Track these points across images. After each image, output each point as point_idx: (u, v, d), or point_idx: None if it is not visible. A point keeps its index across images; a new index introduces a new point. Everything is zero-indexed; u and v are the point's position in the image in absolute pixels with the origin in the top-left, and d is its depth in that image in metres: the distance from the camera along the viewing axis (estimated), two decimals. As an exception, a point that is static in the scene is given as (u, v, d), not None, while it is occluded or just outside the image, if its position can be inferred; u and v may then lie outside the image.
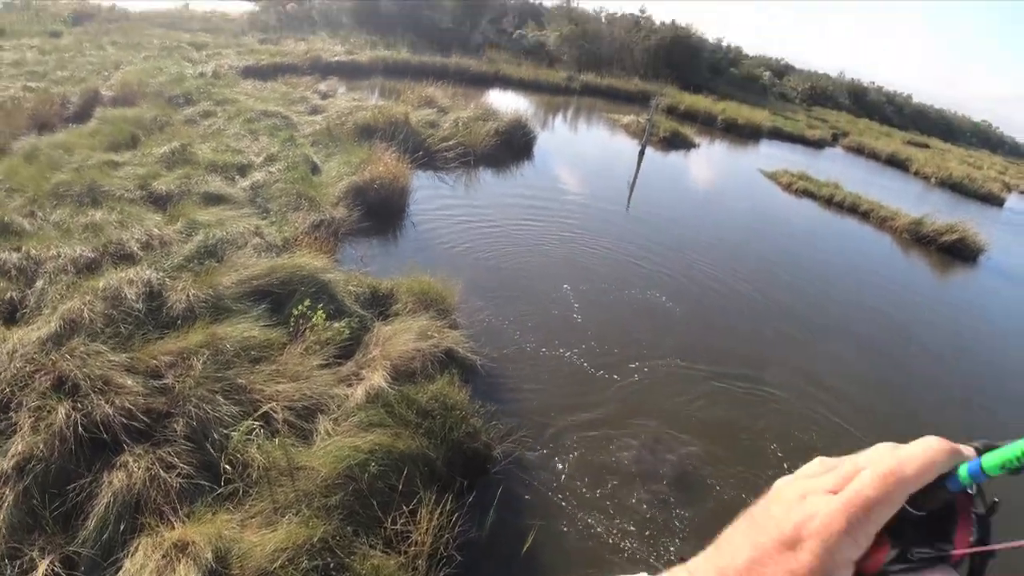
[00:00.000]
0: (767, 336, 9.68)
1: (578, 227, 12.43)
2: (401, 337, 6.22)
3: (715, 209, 16.94)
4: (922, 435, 0.65)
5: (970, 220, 18.19)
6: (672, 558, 3.36)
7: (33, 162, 9.40)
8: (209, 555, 3.75)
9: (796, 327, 10.23)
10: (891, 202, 19.67)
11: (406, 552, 4.26)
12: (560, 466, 5.94)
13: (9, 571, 3.77)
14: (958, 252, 16.79)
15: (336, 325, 6.17)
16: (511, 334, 7.86)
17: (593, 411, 6.80)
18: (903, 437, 0.67)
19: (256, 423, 4.81)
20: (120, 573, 3.80)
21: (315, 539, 3.99)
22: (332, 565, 3.92)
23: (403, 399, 5.38)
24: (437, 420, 5.35)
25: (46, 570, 3.78)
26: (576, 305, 8.98)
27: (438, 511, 4.47)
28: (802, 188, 20.45)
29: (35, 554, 3.87)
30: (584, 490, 5.71)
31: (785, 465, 6.65)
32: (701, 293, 10.69)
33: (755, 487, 6.12)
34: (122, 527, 4.13)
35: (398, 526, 4.35)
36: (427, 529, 4.36)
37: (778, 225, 16.81)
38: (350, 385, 5.57)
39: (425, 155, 13.99)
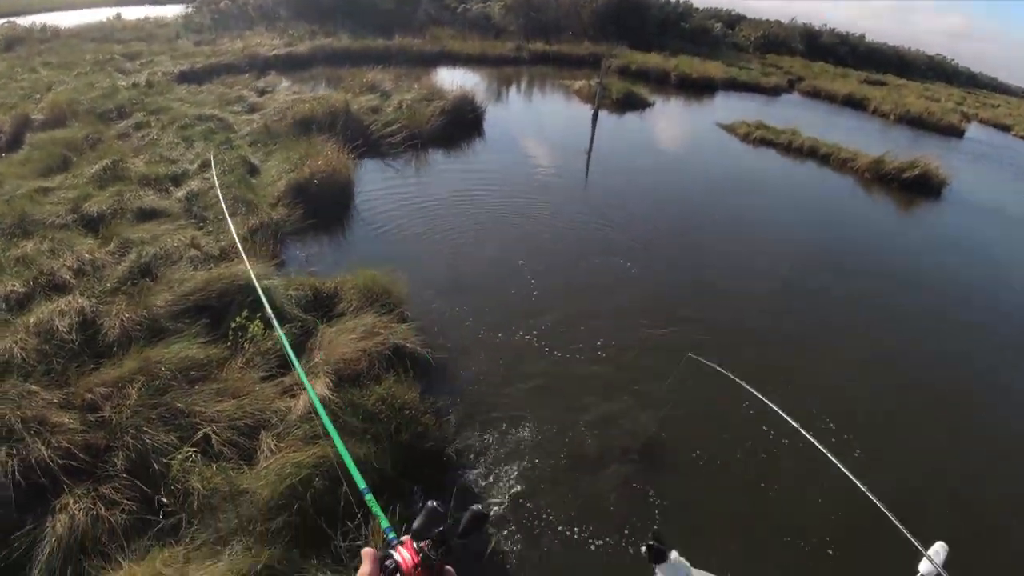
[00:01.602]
0: (735, 293, 9.56)
1: (533, 200, 12.21)
2: (345, 338, 6.05)
3: (674, 167, 16.75)
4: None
5: (931, 154, 18.14)
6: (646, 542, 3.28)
7: (-40, 198, 9.05)
8: (147, 598, 3.62)
9: (767, 282, 10.08)
10: (851, 143, 19.57)
11: (358, 567, 4.14)
12: (520, 460, 5.80)
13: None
14: (921, 188, 16.81)
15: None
16: (464, 321, 7.67)
17: (555, 397, 6.66)
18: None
19: (193, 451, 4.65)
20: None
21: (259, 567, 3.86)
22: (279, 591, 3.81)
23: (347, 405, 5.23)
24: (384, 423, 5.20)
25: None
26: (533, 282, 8.80)
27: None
28: (760, 137, 20.31)
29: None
30: (547, 484, 5.59)
31: (767, 430, 6.60)
32: (665, 253, 10.57)
33: (726, 459, 6.08)
34: (68, 573, 4.00)
35: (347, 542, 4.23)
36: (378, 542, 4.23)
37: (738, 176, 16.56)
38: (293, 396, 5.40)
39: (367, 143, 13.65)
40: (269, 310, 3.41)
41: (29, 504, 4.32)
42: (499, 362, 7.05)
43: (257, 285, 4.07)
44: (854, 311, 9.57)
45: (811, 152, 19.10)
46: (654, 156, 17.80)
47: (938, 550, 3.20)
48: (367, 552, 1.00)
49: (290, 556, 4.04)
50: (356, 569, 1.03)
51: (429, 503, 1.09)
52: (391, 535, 1.22)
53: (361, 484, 1.57)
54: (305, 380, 2.61)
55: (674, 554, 3.28)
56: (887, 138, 23.85)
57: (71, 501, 4.29)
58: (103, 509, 4.28)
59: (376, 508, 1.44)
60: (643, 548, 3.30)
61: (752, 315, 8.81)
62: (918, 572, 3.16)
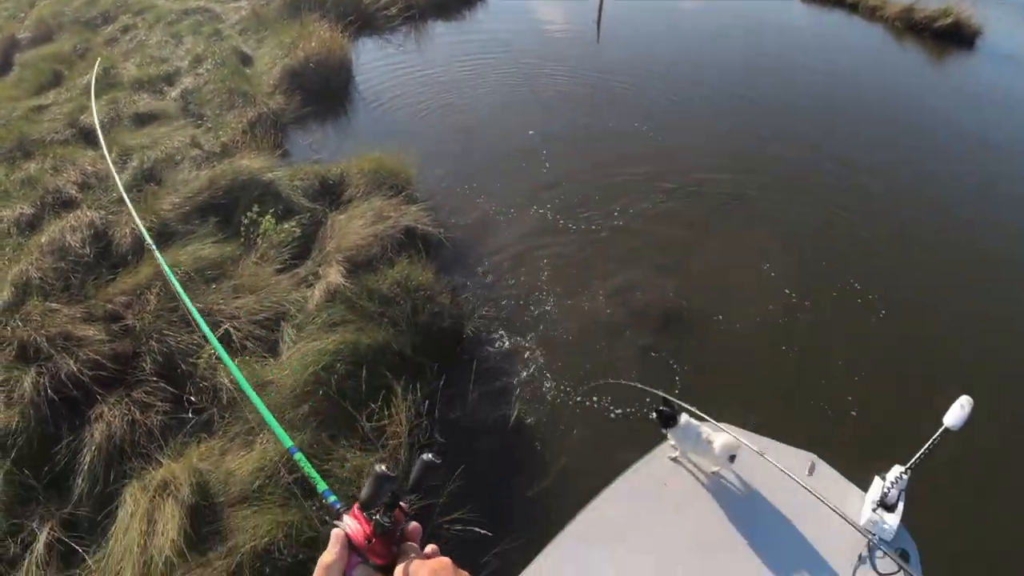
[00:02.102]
0: (757, 150, 8.97)
1: (541, 66, 11.51)
2: (355, 224, 5.94)
3: (691, 23, 15.45)
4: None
5: (964, 2, 16.58)
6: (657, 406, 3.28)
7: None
8: (187, 491, 3.73)
9: (790, 138, 9.44)
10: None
11: (385, 446, 4.22)
12: (538, 333, 5.76)
13: (13, 548, 3.80)
14: (953, 37, 15.39)
15: (286, 226, 5.92)
16: (475, 198, 7.45)
17: (571, 267, 6.55)
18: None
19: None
20: (115, 525, 3.83)
21: (291, 453, 3.94)
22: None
23: (363, 291, 5.18)
24: (401, 306, 5.17)
25: (47, 538, 3.80)
26: (544, 151, 8.44)
27: (411, 400, 4.42)
28: (782, -16, 18.60)
29: (35, 525, 3.89)
30: (566, 355, 5.56)
31: (788, 293, 6.44)
32: (682, 113, 9.99)
33: (746, 324, 5.92)
34: (112, 477, 4.14)
35: (372, 422, 4.28)
36: (402, 420, 4.29)
37: (760, 29, 15.12)
38: (309, 286, 5.38)
39: (362, 18, 12.91)
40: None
41: (67, 417, 4.43)
42: (513, 236, 6.91)
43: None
44: (881, 167, 8.87)
45: (838, 1, 17.63)
46: (669, 11, 16.38)
47: (963, 403, 3.12)
48: (336, 533, 0.87)
49: (319, 440, 4.12)
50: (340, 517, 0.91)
51: (376, 468, 0.93)
52: (331, 499, 1.07)
53: (287, 443, 1.39)
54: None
55: (683, 417, 3.27)
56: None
57: (105, 409, 4.39)
58: (137, 413, 4.38)
59: (309, 469, 1.26)
60: (652, 415, 3.30)
61: (774, 172, 8.37)
62: (943, 426, 3.10)
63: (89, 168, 7.18)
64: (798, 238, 7.13)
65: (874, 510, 3.19)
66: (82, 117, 8.53)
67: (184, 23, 12.29)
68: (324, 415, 4.28)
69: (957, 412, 3.09)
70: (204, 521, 3.69)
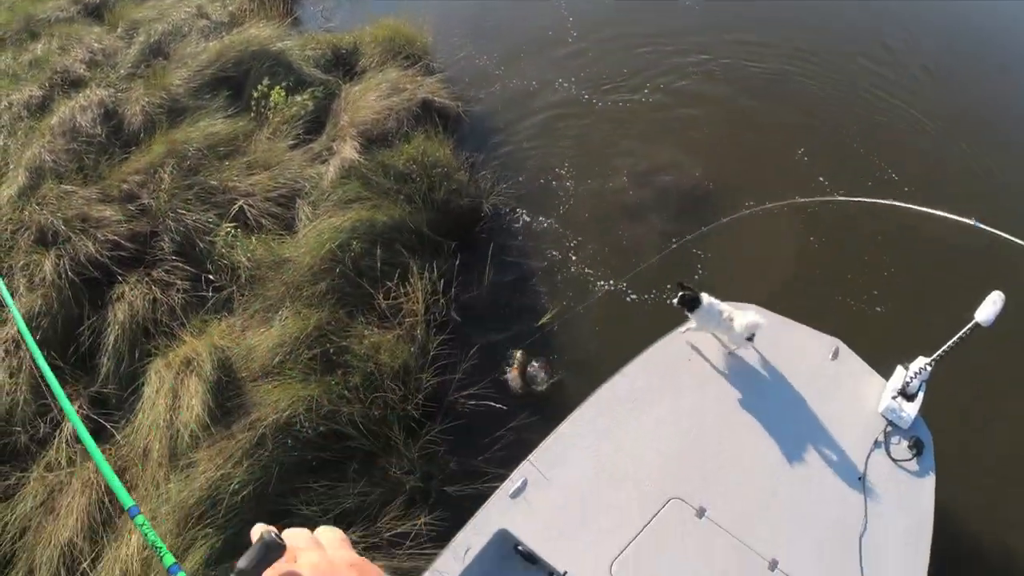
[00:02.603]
0: (800, 24, 7.97)
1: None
2: (369, 98, 5.70)
3: None
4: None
5: None
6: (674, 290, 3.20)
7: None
8: (209, 367, 3.76)
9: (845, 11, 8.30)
10: None
11: (401, 323, 4.19)
12: (558, 213, 5.58)
13: (43, 427, 3.90)
14: None
15: (298, 99, 5.70)
16: (495, 70, 7.01)
17: (594, 145, 6.23)
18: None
19: (233, 226, 4.63)
20: (141, 401, 3.90)
21: (310, 328, 3.94)
22: (332, 350, 3.89)
23: (378, 167, 5.03)
24: (417, 183, 5.04)
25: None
26: (570, 19, 7.77)
27: (427, 278, 4.36)
28: None
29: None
30: (586, 237, 5.39)
31: (822, 180, 6.02)
32: None
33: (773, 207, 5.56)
34: (136, 355, 4.19)
35: (389, 300, 4.25)
36: (418, 298, 4.25)
37: None
38: (324, 162, 5.24)
39: None
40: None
41: (90, 298, 4.44)
42: (535, 110, 6.57)
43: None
44: (936, 58, 7.73)
45: None
46: None
47: (995, 299, 3.07)
48: None
49: (337, 317, 4.10)
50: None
51: (267, 536, 0.74)
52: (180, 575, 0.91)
53: (128, 502, 1.22)
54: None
55: (706, 297, 3.26)
56: None
57: (127, 289, 4.40)
58: (158, 292, 4.38)
59: (152, 535, 1.06)
60: (674, 301, 3.29)
61: (818, 53, 7.51)
62: (973, 320, 3.08)
63: (96, 45, 6.95)
64: (837, 123, 6.65)
65: (894, 398, 3.24)
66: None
67: None
68: (341, 292, 4.26)
69: (989, 308, 3.07)
70: (227, 396, 3.74)
